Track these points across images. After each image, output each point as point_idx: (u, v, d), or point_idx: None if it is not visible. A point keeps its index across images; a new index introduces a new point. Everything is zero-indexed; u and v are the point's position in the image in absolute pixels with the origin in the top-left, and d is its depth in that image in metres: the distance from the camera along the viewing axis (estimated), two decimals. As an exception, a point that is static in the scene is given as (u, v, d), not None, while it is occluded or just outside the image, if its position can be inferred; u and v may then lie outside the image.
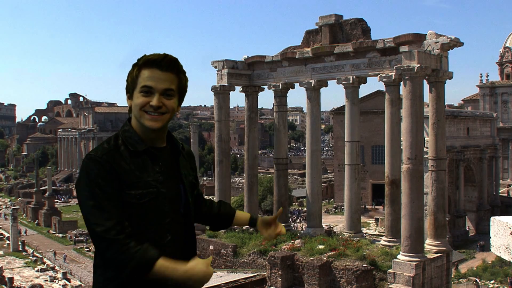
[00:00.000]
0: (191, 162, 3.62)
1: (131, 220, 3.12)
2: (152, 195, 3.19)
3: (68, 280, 46.09)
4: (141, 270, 2.99)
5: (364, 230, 49.70)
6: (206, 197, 3.94)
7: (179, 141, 3.57)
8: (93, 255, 57.41)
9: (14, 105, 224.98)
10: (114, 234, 2.99)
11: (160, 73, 3.18)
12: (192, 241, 3.49)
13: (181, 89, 3.32)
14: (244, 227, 40.86)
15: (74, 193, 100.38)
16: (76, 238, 63.06)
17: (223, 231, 39.51)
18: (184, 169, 3.47)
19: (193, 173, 3.63)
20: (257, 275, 33.45)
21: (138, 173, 3.17)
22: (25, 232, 67.96)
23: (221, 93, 40.52)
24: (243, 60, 41.65)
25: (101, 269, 3.21)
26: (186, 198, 3.42)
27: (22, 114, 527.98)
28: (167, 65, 3.20)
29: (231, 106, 57.60)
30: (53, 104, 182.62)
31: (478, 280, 41.43)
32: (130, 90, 3.26)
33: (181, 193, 3.39)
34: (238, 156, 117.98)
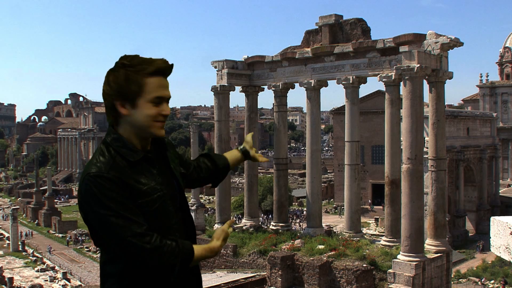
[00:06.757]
0: (174, 152, 3.58)
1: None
2: (162, 199, 3.17)
3: (68, 280, 46.09)
4: (186, 262, 3.10)
5: (364, 230, 49.64)
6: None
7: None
8: (93, 255, 57.46)
9: (14, 105, 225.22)
10: (150, 240, 2.98)
11: (165, 81, 3.18)
12: (192, 230, 3.49)
13: None
14: (244, 227, 40.90)
15: (74, 193, 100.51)
16: (76, 239, 63.05)
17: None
18: (173, 163, 3.45)
19: (179, 161, 3.61)
20: (257, 275, 33.42)
21: (143, 180, 3.13)
22: (31, 234, 67.71)
23: (221, 93, 40.50)
24: (243, 60, 41.61)
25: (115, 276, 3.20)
26: (181, 191, 3.42)
27: (22, 114, 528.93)
28: (169, 72, 3.21)
29: (231, 106, 57.62)
30: (53, 104, 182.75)
31: (479, 282, 41.42)
32: (133, 98, 3.10)
33: (176, 188, 3.37)
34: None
